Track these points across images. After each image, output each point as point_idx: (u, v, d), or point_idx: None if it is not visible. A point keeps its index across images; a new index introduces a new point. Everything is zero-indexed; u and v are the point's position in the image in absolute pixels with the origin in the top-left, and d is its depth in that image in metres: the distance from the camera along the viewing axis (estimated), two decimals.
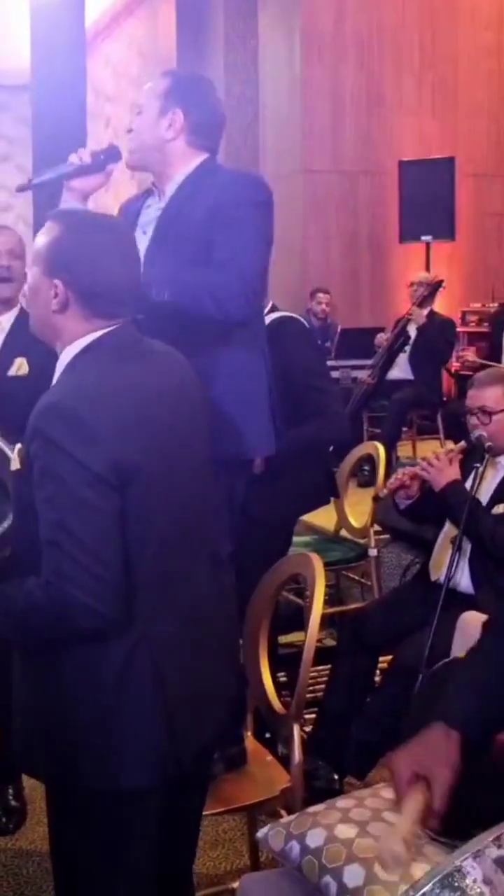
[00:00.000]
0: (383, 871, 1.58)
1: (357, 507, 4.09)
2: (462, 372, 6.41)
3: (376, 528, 3.97)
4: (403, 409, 6.25)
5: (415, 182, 7.84)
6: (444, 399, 6.64)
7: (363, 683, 3.06)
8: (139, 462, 1.59)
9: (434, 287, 6.38)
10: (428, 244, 7.83)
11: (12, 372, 2.90)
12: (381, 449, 4.03)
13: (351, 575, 4.22)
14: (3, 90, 12.12)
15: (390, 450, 5.51)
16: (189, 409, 1.77)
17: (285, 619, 3.16)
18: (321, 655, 2.65)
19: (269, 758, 2.43)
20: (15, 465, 1.67)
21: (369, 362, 6.45)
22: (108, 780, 1.62)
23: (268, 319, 3.10)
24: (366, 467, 4.71)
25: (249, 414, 2.35)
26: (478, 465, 2.88)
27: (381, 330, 6.76)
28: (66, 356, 1.71)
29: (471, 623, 2.25)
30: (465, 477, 2.94)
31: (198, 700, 1.72)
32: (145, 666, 1.61)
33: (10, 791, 2.88)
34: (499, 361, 5.74)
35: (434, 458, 2.98)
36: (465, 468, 2.96)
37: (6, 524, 1.98)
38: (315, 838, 1.83)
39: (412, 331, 6.33)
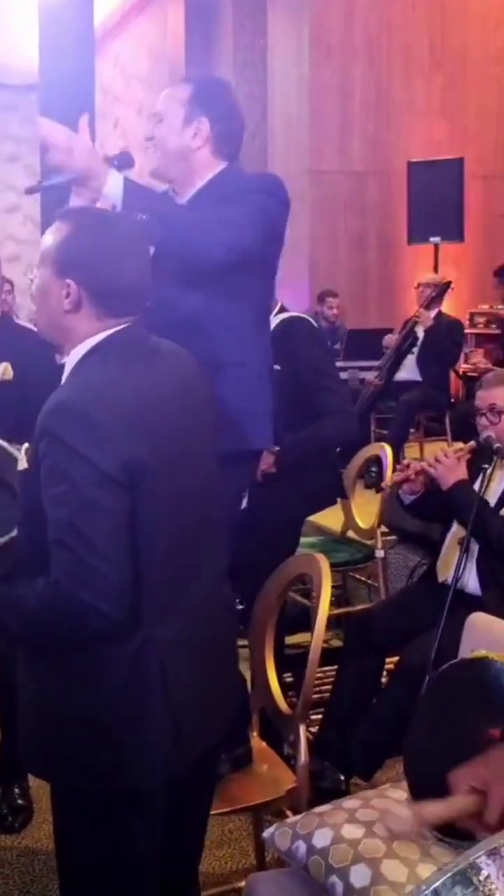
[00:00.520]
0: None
1: (364, 508, 4.08)
2: (470, 374, 6.40)
3: (383, 529, 3.97)
4: (411, 411, 6.23)
5: (423, 183, 7.84)
6: (452, 401, 6.63)
7: (370, 684, 3.06)
8: (148, 461, 1.58)
9: (442, 288, 6.37)
10: (436, 245, 7.82)
11: None
12: (389, 450, 4.02)
13: (358, 576, 4.22)
14: (11, 90, 12.11)
15: (398, 451, 5.49)
16: (196, 408, 1.76)
17: (292, 620, 3.16)
18: (327, 656, 2.65)
19: (275, 758, 2.43)
20: (22, 464, 1.66)
21: (377, 363, 6.46)
22: (114, 781, 1.62)
23: (276, 320, 3.10)
24: (373, 468, 4.69)
25: (250, 407, 2.31)
26: (486, 466, 2.87)
27: (389, 331, 6.76)
28: (74, 356, 1.70)
29: (478, 624, 2.25)
30: (472, 478, 2.94)
31: (202, 702, 1.71)
32: (152, 667, 1.61)
33: (17, 790, 2.89)
34: None
35: (443, 455, 2.96)
36: (473, 469, 2.95)
37: (10, 535, 1.96)
38: (321, 838, 1.83)
39: (420, 332, 6.32)
